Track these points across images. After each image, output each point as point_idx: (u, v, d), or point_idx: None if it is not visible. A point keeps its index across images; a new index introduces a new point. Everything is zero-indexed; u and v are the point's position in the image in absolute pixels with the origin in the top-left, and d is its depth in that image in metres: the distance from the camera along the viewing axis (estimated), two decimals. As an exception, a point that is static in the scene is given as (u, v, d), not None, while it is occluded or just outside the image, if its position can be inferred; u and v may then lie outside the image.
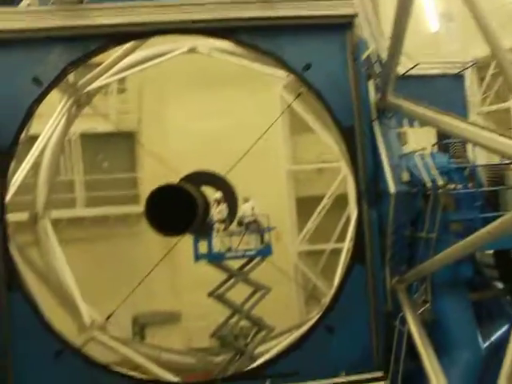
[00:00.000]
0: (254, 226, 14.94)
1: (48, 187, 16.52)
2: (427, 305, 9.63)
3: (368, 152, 10.15)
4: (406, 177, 9.97)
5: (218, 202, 15.12)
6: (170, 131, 21.34)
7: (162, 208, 8.11)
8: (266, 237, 14.89)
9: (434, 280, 9.65)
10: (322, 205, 21.38)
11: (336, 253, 19.71)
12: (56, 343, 9.80)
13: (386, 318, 9.92)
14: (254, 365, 11.01)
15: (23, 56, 9.85)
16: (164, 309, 21.04)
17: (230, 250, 14.62)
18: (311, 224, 21.38)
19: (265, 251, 14.75)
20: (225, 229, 14.82)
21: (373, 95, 10.34)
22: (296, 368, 9.94)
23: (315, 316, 14.56)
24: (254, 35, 10.15)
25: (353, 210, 17.71)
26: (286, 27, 10.21)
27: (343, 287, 10.08)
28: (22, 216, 15.69)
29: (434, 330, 9.29)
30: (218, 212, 15.07)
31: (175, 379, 11.86)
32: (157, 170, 19.34)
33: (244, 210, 15.23)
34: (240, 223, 15.25)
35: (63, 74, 10.01)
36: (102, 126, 20.03)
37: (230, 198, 16.13)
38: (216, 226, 14.73)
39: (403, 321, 9.31)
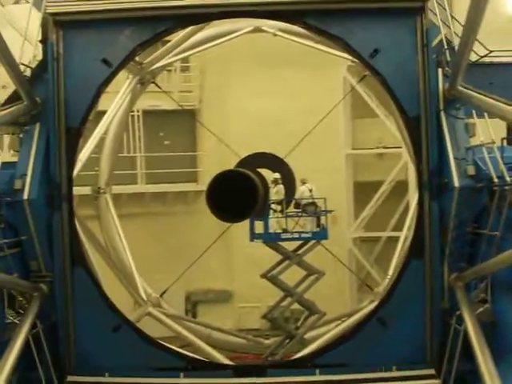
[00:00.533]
0: (311, 209, 14.89)
1: (111, 163, 16.97)
2: (486, 305, 9.33)
3: (433, 143, 9.85)
4: (471, 170, 9.57)
5: (276, 182, 15.13)
6: (230, 110, 21.43)
7: (224, 194, 8.16)
8: (323, 220, 14.85)
9: (494, 280, 9.33)
10: (380, 191, 21.04)
11: (392, 241, 19.48)
12: (114, 318, 10.07)
13: (442, 315, 9.67)
14: (303, 353, 11.00)
15: (94, 37, 10.03)
16: (217, 287, 21.49)
17: (285, 231, 14.69)
18: (368, 210, 21.08)
19: (320, 234, 14.70)
20: (282, 210, 14.89)
21: (441, 84, 9.99)
22: (346, 359, 9.84)
23: (367, 305, 14.62)
24: (322, 19, 9.92)
25: (412, 199, 17.49)
26: (355, 11, 9.94)
27: (399, 280, 9.89)
28: (85, 190, 16.25)
29: (492, 332, 9.00)
30: (275, 192, 15.07)
31: (226, 361, 12.00)
32: (216, 149, 19.61)
33: (302, 191, 15.24)
34: (297, 205, 15.25)
35: (132, 55, 10.17)
36: (164, 104, 20.30)
37: (288, 180, 16.12)
38: (273, 206, 14.84)
39: (460, 319, 9.06)
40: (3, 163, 9.90)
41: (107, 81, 10.10)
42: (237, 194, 8.36)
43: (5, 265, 9.34)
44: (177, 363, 10.13)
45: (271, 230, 14.51)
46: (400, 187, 20.68)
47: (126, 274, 16.46)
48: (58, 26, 9.93)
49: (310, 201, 14.94)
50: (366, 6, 9.95)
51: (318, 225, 14.81)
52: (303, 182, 15.48)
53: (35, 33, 10.10)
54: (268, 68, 20.69)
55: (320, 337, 15.47)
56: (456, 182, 9.39)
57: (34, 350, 9.30)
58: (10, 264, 9.45)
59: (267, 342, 16.97)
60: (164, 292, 16.89)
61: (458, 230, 9.57)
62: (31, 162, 9.78)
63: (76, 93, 9.98)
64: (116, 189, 17.98)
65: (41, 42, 10.14)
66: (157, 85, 16.82)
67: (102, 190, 16.80)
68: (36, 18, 10.14)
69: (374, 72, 10.04)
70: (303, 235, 14.71)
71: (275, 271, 15.00)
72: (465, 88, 9.36)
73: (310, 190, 15.21)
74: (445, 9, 10.59)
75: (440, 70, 9.99)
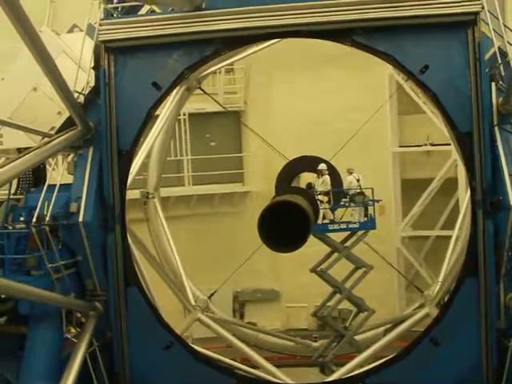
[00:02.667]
0: (359, 198, 14.75)
1: (159, 168, 17.23)
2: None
3: (486, 159, 9.64)
4: (527, 188, 9.37)
5: (322, 173, 15.02)
6: (275, 111, 21.39)
7: (275, 223, 8.24)
8: (370, 210, 14.65)
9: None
10: (429, 189, 20.67)
11: (441, 239, 19.21)
12: (166, 336, 10.34)
13: (498, 335, 9.54)
14: (355, 373, 11.00)
15: (144, 62, 10.22)
16: (264, 287, 21.63)
17: (332, 222, 14.60)
18: (417, 208, 20.78)
19: (368, 224, 14.56)
20: (329, 201, 14.80)
21: (495, 98, 9.74)
22: (398, 379, 9.82)
23: (417, 312, 14.43)
24: (370, 36, 9.81)
25: (462, 196, 17.12)
26: (404, 27, 9.77)
27: (453, 299, 9.77)
28: (134, 193, 16.51)
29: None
30: (321, 183, 14.96)
31: (289, 381, 12.11)
32: (262, 149, 19.66)
33: (349, 181, 15.08)
34: (344, 195, 15.10)
35: (180, 78, 10.30)
36: (210, 106, 20.45)
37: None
38: (319, 197, 14.68)
39: (517, 340, 8.95)
40: (61, 185, 10.22)
41: (157, 104, 10.29)
42: (288, 224, 8.41)
43: (62, 284, 9.70)
44: (228, 381, 10.34)
45: (318, 222, 14.31)
46: (449, 184, 20.29)
47: (174, 278, 16.75)
48: (110, 52, 10.17)
49: (358, 191, 14.78)
50: (415, 22, 9.74)
51: (366, 215, 14.66)
52: (350, 172, 15.26)
53: (88, 60, 10.33)
54: (312, 67, 20.55)
55: (369, 342, 15.65)
56: (511, 201, 9.19)
57: (90, 367, 9.65)
58: (67, 284, 9.80)
59: (315, 344, 17.05)
60: (212, 294, 17.17)
61: (514, 249, 9.37)
62: (85, 185, 10.09)
63: (127, 116, 10.21)
64: (164, 191, 18.32)
65: (93, 68, 10.40)
66: (202, 90, 16.94)
67: (150, 195, 17.08)
68: (89, 45, 10.37)
69: (425, 88, 9.86)
70: (351, 226, 14.56)
71: (324, 266, 14.84)
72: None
73: (358, 180, 15.04)
74: (497, 18, 10.27)
75: (493, 84, 9.73)
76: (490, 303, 9.54)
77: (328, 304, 15.85)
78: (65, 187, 10.28)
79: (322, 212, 14.47)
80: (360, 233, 14.73)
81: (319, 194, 14.67)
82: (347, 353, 15.20)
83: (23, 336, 9.79)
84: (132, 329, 10.24)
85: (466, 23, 9.68)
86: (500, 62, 9.69)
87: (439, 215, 20.73)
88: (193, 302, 15.97)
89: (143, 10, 10.79)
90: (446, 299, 15.70)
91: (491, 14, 10.07)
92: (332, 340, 15.60)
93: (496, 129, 9.68)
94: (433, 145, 20.88)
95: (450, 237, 16.05)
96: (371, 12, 9.64)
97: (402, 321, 15.35)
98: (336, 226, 14.54)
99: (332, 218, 14.70)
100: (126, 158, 10.24)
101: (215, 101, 19.11)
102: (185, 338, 11.63)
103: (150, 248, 15.46)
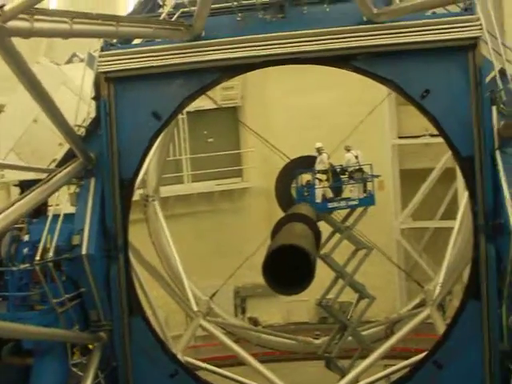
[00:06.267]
0: (358, 175, 14.77)
1: (159, 171, 17.26)
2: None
3: (488, 183, 9.67)
4: (528, 212, 9.40)
5: (320, 151, 15.02)
6: (272, 105, 21.31)
7: (278, 266, 8.29)
8: (369, 186, 14.69)
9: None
10: (428, 180, 20.66)
11: (441, 230, 19.32)
12: (171, 365, 10.49)
13: (501, 357, 9.69)
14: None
15: (143, 92, 10.20)
16: (264, 282, 21.57)
17: (331, 199, 14.66)
18: (416, 199, 20.80)
19: (367, 200, 14.62)
20: (327, 179, 14.83)
21: (496, 122, 9.72)
22: (400, 402, 10.06)
23: (418, 312, 14.59)
24: (370, 62, 9.77)
25: (461, 186, 16.98)
26: (404, 53, 9.71)
27: (456, 322, 9.89)
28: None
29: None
30: (319, 162, 15.02)
31: None
32: (260, 145, 19.58)
33: (348, 158, 15.06)
34: (343, 172, 15.13)
35: (180, 107, 10.26)
36: (207, 104, 20.29)
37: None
38: (318, 176, 14.80)
39: (521, 362, 9.11)
40: (64, 215, 10.22)
41: (157, 133, 10.25)
42: (292, 265, 8.46)
43: (66, 317, 9.71)
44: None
45: (317, 201, 14.43)
46: (447, 174, 20.28)
47: (175, 281, 16.91)
48: (110, 82, 10.09)
49: (357, 167, 14.81)
50: (415, 47, 9.66)
51: (365, 190, 14.71)
52: (348, 149, 15.24)
53: (88, 90, 10.25)
54: (309, 61, 20.28)
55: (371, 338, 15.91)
56: (513, 226, 9.23)
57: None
58: (71, 316, 9.82)
59: (317, 341, 17.33)
60: (214, 294, 17.40)
61: (517, 273, 9.44)
62: (88, 216, 10.08)
63: (128, 146, 10.21)
64: (163, 190, 18.33)
65: (93, 98, 10.32)
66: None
67: (150, 198, 17.14)
68: (88, 76, 10.27)
69: (426, 113, 9.84)
70: (350, 203, 14.61)
71: (327, 250, 14.82)
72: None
73: (356, 157, 15.03)
74: (496, 38, 10.17)
75: (494, 108, 9.71)
76: (492, 326, 9.63)
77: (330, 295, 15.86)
78: (67, 217, 10.28)
79: (321, 191, 14.55)
80: (360, 210, 14.75)
81: (318, 173, 14.71)
82: (351, 347, 15.50)
83: (28, 367, 9.85)
84: (137, 358, 10.35)
85: (467, 48, 9.62)
86: (501, 86, 9.60)
87: (438, 205, 20.75)
88: (194, 305, 16.14)
89: (137, 41, 10.65)
90: (446, 302, 16.16)
91: (491, 34, 9.98)
92: (335, 333, 15.74)
93: (497, 153, 9.68)
94: (432, 135, 20.74)
95: (449, 228, 16.01)
96: (370, 39, 9.57)
97: (402, 319, 15.72)
98: (335, 204, 14.63)
99: (331, 196, 14.71)
100: (128, 187, 10.24)
101: (210, 98, 18.95)
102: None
103: (151, 259, 15.60)
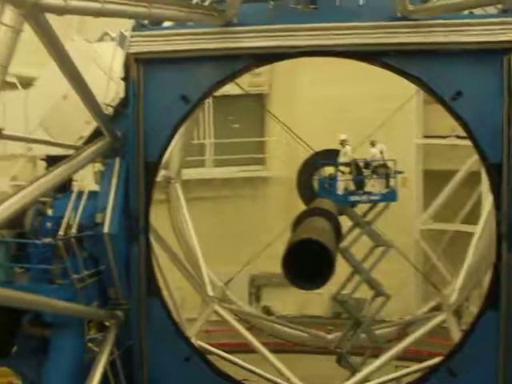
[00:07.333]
0: (382, 170, 14.62)
1: (182, 154, 17.32)
2: None
3: (515, 192, 9.54)
4: (552, 222, 9.27)
5: (344, 144, 14.95)
6: (300, 95, 21.14)
7: (298, 259, 8.30)
8: (392, 182, 14.55)
9: None
10: (452, 182, 20.43)
11: (461, 233, 19.10)
12: (186, 349, 10.58)
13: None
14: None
15: (173, 75, 10.17)
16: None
17: (353, 193, 14.57)
18: (439, 201, 20.61)
19: (390, 196, 14.45)
20: (350, 172, 14.74)
21: (527, 129, 9.57)
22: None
23: (434, 316, 14.51)
24: (401, 59, 9.66)
25: (486, 191, 16.75)
26: (436, 52, 9.59)
27: (473, 330, 9.77)
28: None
29: None
30: (342, 154, 14.94)
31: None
32: (285, 134, 19.52)
33: (372, 153, 14.94)
34: (366, 166, 15.00)
35: (209, 92, 10.27)
36: (233, 88, 20.23)
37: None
38: (341, 168, 14.72)
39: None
40: (89, 192, 10.34)
41: (185, 117, 10.26)
42: (311, 258, 8.45)
43: (85, 293, 9.88)
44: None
45: (339, 192, 14.37)
46: (472, 177, 20.01)
47: (192, 264, 17.03)
48: (140, 63, 10.09)
49: (382, 162, 14.69)
50: (450, 47, 9.52)
51: (388, 186, 14.58)
52: (373, 144, 15.12)
53: (118, 70, 10.30)
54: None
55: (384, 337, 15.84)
56: (536, 235, 9.13)
57: (110, 376, 9.92)
58: (90, 292, 9.99)
59: (330, 336, 17.34)
60: (229, 281, 17.48)
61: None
62: (111, 196, 10.15)
63: (155, 128, 10.22)
64: (185, 173, 18.40)
65: (123, 79, 10.37)
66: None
67: (172, 180, 17.22)
68: (119, 55, 10.32)
69: (455, 115, 9.72)
70: (372, 197, 14.50)
71: (345, 244, 14.68)
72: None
73: (381, 152, 14.92)
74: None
75: (527, 114, 9.55)
76: (509, 337, 9.53)
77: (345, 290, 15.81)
78: (91, 195, 10.40)
79: (343, 184, 14.48)
80: (381, 206, 14.65)
81: (341, 165, 14.65)
82: (363, 345, 15.48)
83: (46, 339, 10.06)
84: (152, 339, 10.45)
85: (502, 51, 9.45)
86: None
87: (460, 209, 20.51)
88: (210, 290, 16.27)
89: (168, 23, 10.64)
90: (463, 307, 15.97)
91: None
92: (348, 329, 15.72)
93: (526, 160, 9.53)
94: (459, 137, 20.45)
95: (470, 232, 15.81)
96: (404, 36, 9.44)
97: (416, 321, 15.61)
98: (357, 197, 14.52)
99: (353, 189, 14.64)
100: (153, 169, 10.30)
101: (237, 85, 18.89)
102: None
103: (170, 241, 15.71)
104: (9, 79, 9.55)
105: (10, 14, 6.59)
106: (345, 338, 15.57)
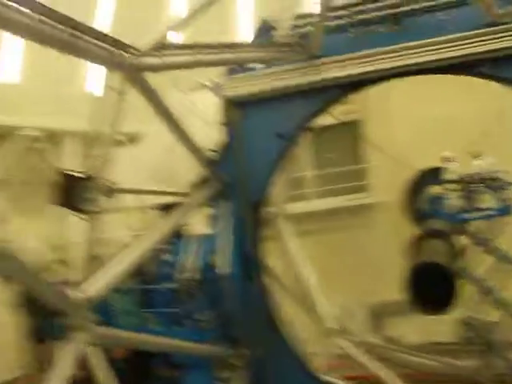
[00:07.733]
0: (491, 183, 13.87)
1: (285, 187, 17.62)
2: None
3: None
4: None
5: (449, 160, 14.48)
6: (395, 117, 20.91)
7: (421, 284, 8.11)
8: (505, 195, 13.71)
9: None
10: None
11: None
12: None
13: None
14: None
15: (267, 113, 10.47)
16: (400, 299, 21.06)
17: (466, 211, 13.92)
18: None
19: (504, 210, 13.56)
20: (460, 189, 14.13)
21: None
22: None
23: None
24: (499, 66, 9.34)
25: None
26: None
27: None
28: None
29: None
30: (450, 171, 14.45)
31: None
32: (383, 159, 19.31)
33: (480, 166, 14.31)
34: (472, 181, 14.30)
35: (303, 126, 10.50)
36: (327, 119, 20.41)
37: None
38: (448, 186, 14.21)
39: None
40: (202, 236, 10.78)
41: (283, 154, 10.52)
42: (434, 284, 8.21)
43: (211, 334, 10.17)
44: None
45: (451, 212, 13.83)
46: None
47: (307, 298, 17.01)
48: (235, 106, 10.51)
49: (494, 175, 13.89)
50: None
51: (502, 199, 13.75)
52: (476, 156, 14.51)
53: (216, 116, 10.82)
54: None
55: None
56: None
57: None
58: (216, 333, 10.24)
59: (460, 363, 16.51)
60: (348, 313, 17.24)
61: None
62: (224, 238, 10.43)
63: (257, 169, 10.52)
64: (291, 208, 18.62)
65: (222, 124, 10.88)
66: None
67: (278, 216, 17.49)
68: (213, 101, 10.86)
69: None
70: (487, 212, 13.68)
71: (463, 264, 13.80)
72: None
73: (492, 164, 14.21)
74: None
75: None
76: None
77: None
78: (203, 238, 10.84)
79: (454, 202, 13.90)
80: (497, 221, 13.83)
81: (449, 182, 14.17)
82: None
83: (175, 379, 10.36)
84: (279, 377, 10.53)
85: None
86: None
87: None
88: (329, 323, 16.14)
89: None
90: None
91: None
92: (482, 356, 14.90)
93: None
94: None
95: None
96: (497, 42, 9.17)
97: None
98: (471, 214, 13.88)
99: (464, 206, 14.04)
100: (259, 208, 10.59)
101: (331, 115, 19.01)
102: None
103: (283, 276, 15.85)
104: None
105: (113, 78, 7.23)
106: (481, 365, 14.76)
